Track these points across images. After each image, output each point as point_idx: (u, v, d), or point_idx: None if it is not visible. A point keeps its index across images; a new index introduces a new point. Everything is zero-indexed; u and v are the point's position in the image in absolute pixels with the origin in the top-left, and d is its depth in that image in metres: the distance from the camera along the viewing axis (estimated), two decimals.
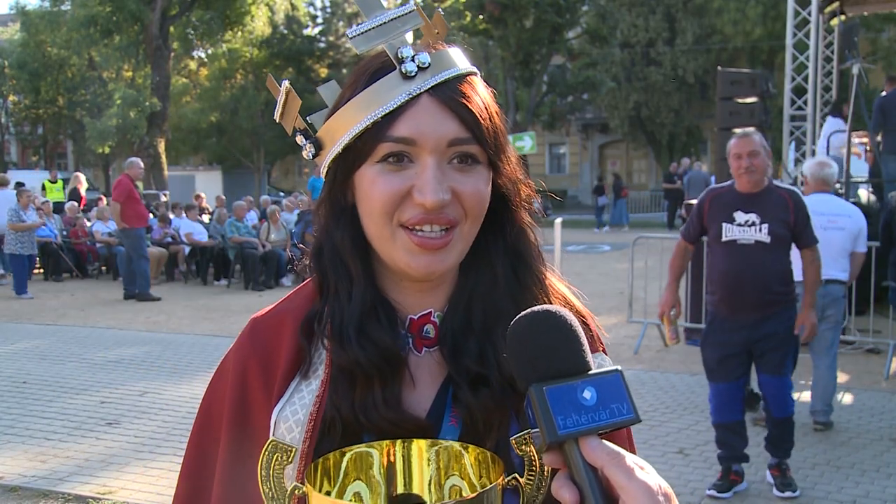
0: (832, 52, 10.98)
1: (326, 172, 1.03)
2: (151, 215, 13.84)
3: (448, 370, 1.01)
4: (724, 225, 4.51)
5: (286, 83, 1.02)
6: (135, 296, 11.88)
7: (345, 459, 0.93)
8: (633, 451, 1.05)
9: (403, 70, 0.96)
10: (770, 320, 4.47)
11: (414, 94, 0.95)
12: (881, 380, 7.10)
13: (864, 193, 10.91)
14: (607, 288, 12.02)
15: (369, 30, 0.98)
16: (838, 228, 5.59)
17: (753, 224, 4.43)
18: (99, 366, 7.71)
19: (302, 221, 14.08)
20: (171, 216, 14.81)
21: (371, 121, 0.95)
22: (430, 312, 1.04)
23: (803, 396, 6.39)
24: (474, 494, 0.85)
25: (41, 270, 14.90)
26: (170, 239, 14.15)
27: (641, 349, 8.17)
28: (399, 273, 1.01)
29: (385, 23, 0.99)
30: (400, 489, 0.94)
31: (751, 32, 27.40)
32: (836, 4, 10.70)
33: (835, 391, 5.82)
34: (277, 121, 1.06)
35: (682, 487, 4.73)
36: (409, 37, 1.01)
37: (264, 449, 0.91)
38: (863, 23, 18.66)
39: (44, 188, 19.96)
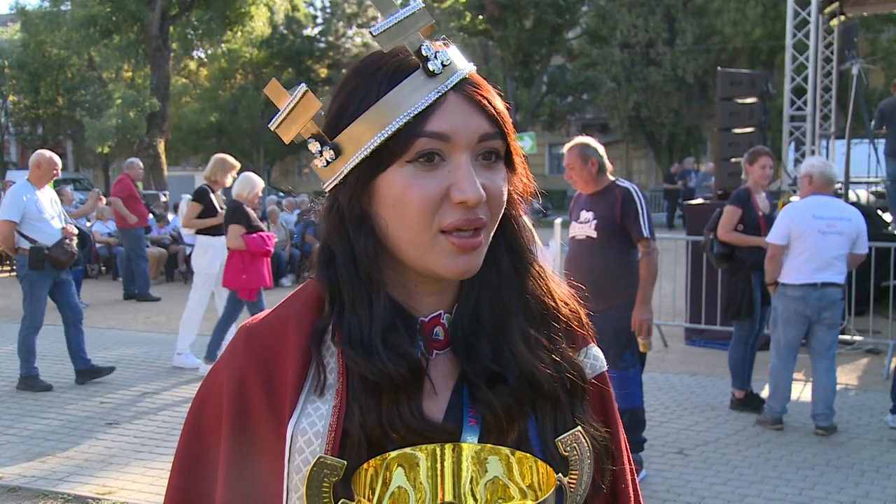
0: (832, 53, 10.97)
1: (342, 180, 0.99)
2: (151, 215, 13.80)
3: (460, 370, 1.01)
4: (572, 223, 4.87)
5: (303, 86, 0.99)
6: (134, 296, 11.87)
7: (385, 464, 0.90)
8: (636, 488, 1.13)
9: (430, 68, 0.95)
10: (603, 315, 4.48)
11: (443, 91, 0.95)
12: (881, 380, 7.10)
13: (864, 193, 10.92)
14: None
15: (391, 27, 0.97)
16: (836, 233, 5.52)
17: (588, 221, 4.70)
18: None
19: (302, 222, 14.10)
20: (170, 216, 14.80)
21: (405, 120, 0.93)
22: (440, 314, 1.03)
23: (803, 396, 6.40)
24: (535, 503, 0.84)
25: None
26: (168, 239, 14.14)
27: None
28: (430, 276, 0.99)
29: (401, 20, 0.97)
30: (448, 496, 0.91)
31: (750, 33, 27.37)
32: (835, 5, 10.70)
33: (835, 394, 5.73)
34: (274, 127, 1.01)
35: (682, 487, 4.73)
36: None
37: (311, 466, 0.88)
38: (863, 23, 18.65)
39: None
